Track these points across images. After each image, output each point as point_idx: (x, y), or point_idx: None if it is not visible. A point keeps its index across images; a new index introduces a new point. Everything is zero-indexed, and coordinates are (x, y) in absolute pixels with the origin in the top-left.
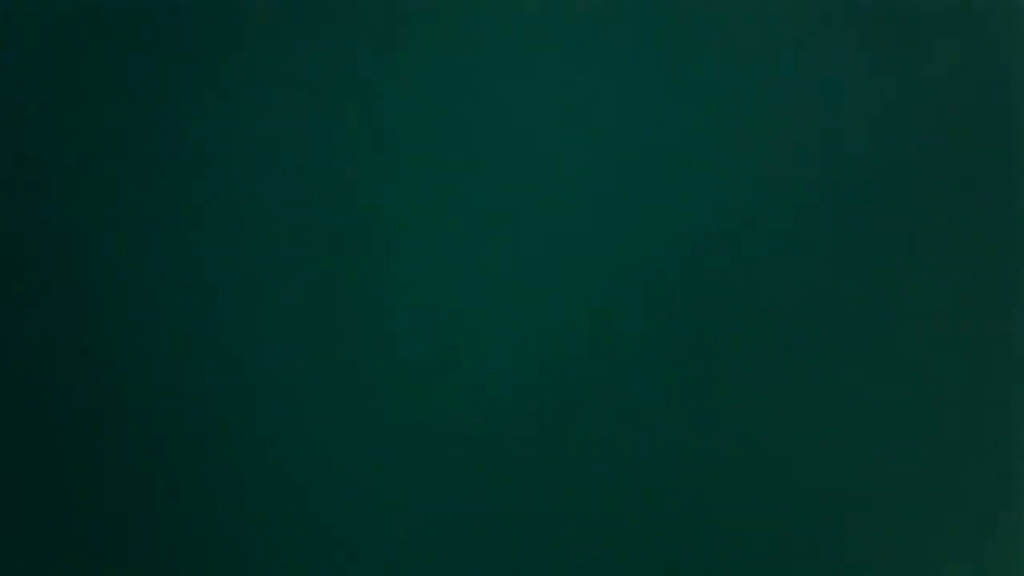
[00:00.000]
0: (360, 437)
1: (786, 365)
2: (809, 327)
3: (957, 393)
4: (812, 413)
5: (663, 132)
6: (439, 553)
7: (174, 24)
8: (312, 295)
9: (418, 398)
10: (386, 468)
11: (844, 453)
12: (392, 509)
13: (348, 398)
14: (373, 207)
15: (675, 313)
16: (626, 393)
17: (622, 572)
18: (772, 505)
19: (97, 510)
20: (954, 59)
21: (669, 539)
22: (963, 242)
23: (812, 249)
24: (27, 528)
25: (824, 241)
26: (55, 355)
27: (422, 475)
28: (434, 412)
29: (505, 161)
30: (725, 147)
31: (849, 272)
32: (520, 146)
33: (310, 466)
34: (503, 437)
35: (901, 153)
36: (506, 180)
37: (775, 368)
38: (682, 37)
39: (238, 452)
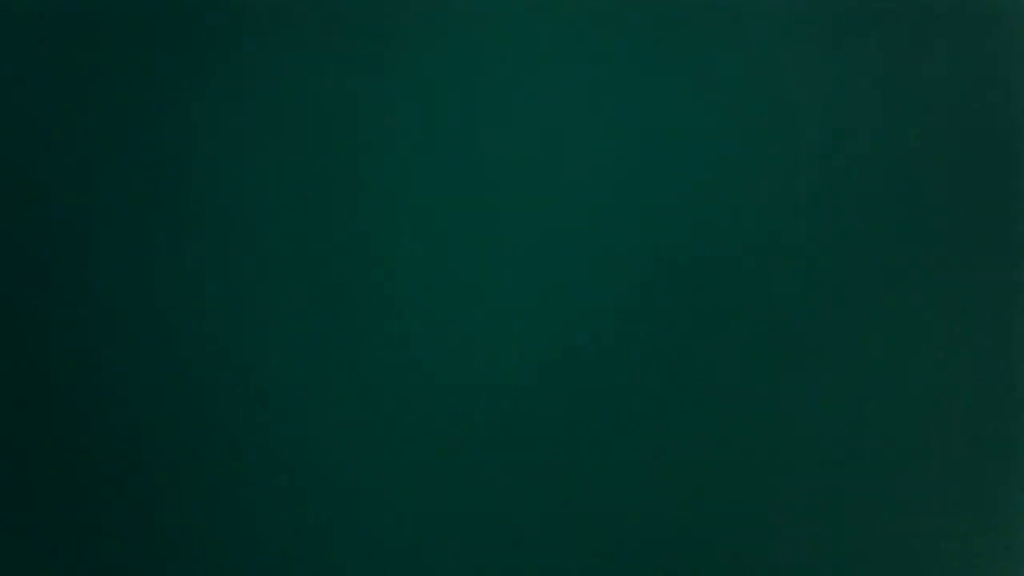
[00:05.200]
0: (360, 436)
1: (787, 365)
2: (810, 326)
3: (957, 392)
4: (812, 412)
5: (666, 133)
6: (439, 552)
7: (174, 24)
8: (313, 295)
9: (419, 397)
10: (386, 467)
11: (844, 451)
12: (392, 508)
13: (349, 397)
14: (375, 208)
15: (678, 312)
16: (627, 393)
17: (622, 571)
18: (772, 504)
19: (97, 510)
20: (954, 59)
21: (670, 538)
22: (963, 241)
23: (812, 248)
24: (26, 528)
25: (825, 239)
26: (55, 354)
27: (422, 474)
28: (435, 412)
29: (506, 162)
30: (727, 148)
31: (849, 270)
32: (521, 147)
33: (310, 465)
34: (503, 437)
35: (901, 153)
36: (507, 181)
37: (775, 368)
38: (684, 39)
39: (238, 451)
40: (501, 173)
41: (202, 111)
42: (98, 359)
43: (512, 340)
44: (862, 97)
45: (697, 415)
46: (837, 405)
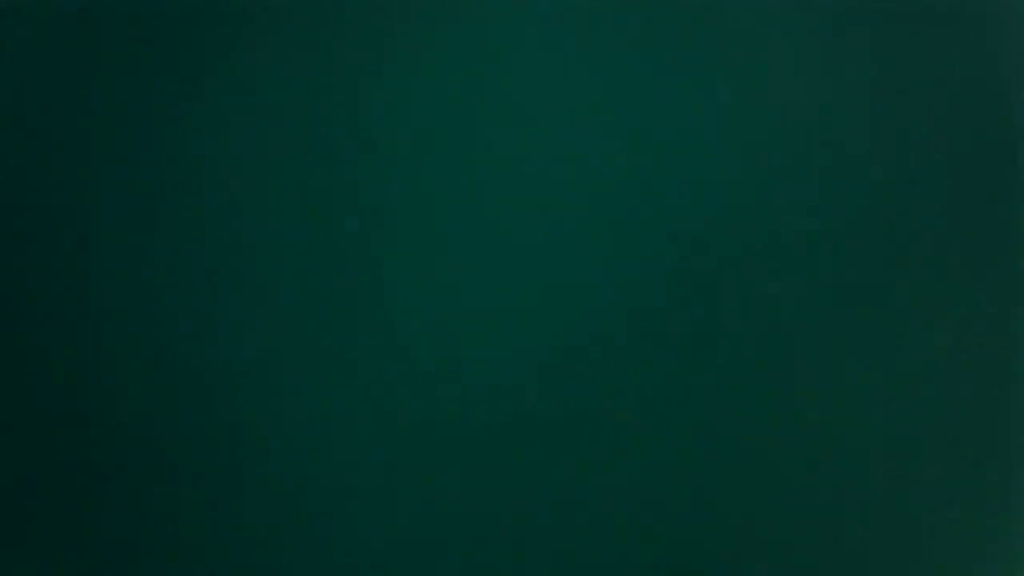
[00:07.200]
0: (360, 438)
1: (788, 366)
2: (810, 327)
3: (958, 393)
4: (814, 413)
5: (663, 133)
6: (440, 554)
7: (172, 24)
8: (312, 295)
9: (419, 398)
10: (387, 469)
11: (845, 453)
12: (393, 510)
13: (349, 398)
14: (373, 207)
15: (678, 314)
16: (629, 394)
17: (624, 573)
18: (774, 507)
19: (96, 510)
20: (954, 59)
21: (671, 540)
22: (963, 242)
23: (811, 249)
24: (26, 528)
25: (824, 241)
26: (55, 355)
27: (423, 476)
28: (436, 412)
29: (505, 163)
30: (725, 147)
31: (849, 271)
32: (521, 147)
33: (310, 466)
34: (505, 438)
35: (901, 153)
36: (506, 182)
37: (776, 370)
38: (681, 37)
39: (237, 452)
40: (502, 174)
41: (202, 111)
42: (97, 357)
43: (513, 340)
44: (861, 97)
45: (698, 417)
46: (839, 407)
